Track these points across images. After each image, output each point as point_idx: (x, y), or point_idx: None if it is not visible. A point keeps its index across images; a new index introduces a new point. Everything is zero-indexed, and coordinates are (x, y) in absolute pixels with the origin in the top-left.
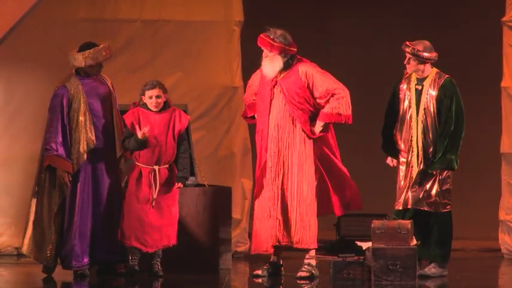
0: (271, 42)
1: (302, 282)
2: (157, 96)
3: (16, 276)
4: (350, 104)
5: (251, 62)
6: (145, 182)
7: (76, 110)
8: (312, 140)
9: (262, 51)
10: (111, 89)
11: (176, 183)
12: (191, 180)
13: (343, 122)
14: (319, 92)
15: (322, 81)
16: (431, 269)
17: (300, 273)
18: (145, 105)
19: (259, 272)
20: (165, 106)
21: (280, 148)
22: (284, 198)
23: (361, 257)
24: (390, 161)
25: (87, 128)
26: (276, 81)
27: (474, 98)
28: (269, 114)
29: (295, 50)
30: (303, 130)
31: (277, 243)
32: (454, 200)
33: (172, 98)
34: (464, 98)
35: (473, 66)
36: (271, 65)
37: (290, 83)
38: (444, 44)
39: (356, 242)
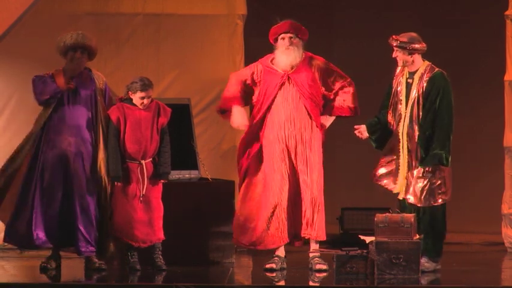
0: (301, 26)
1: (321, 275)
2: (148, 97)
3: (20, 270)
4: (356, 95)
5: (254, 56)
6: (133, 177)
7: None
8: (321, 133)
9: (277, 41)
10: (99, 87)
11: (159, 179)
12: (194, 174)
13: (353, 115)
14: (329, 86)
15: (331, 75)
16: (425, 264)
17: (320, 266)
18: (129, 100)
19: (272, 265)
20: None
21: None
22: (303, 191)
23: (365, 251)
24: (358, 132)
25: None
26: (288, 75)
27: (477, 92)
28: (279, 110)
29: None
30: (315, 124)
31: (294, 237)
32: (456, 194)
33: (175, 91)
34: (467, 91)
35: (477, 59)
36: (298, 53)
37: (303, 76)
38: (447, 38)
39: (359, 236)
